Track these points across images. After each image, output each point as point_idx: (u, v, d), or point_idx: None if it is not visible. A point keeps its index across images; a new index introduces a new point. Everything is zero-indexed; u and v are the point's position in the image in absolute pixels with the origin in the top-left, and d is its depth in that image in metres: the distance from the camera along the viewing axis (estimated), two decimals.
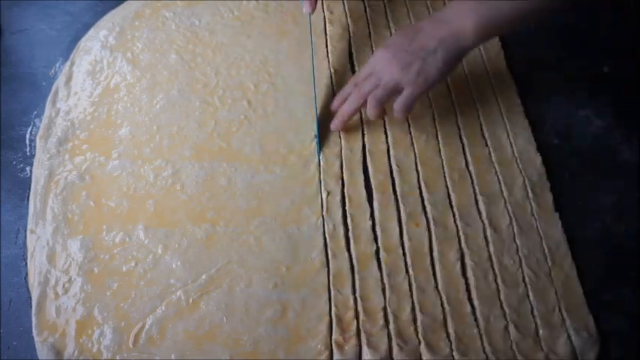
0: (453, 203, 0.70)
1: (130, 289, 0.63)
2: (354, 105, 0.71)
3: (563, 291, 0.64)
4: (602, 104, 0.79)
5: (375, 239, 0.67)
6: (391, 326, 0.61)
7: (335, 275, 0.64)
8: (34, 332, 0.60)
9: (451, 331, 0.61)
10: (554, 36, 0.87)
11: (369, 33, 0.86)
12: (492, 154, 0.74)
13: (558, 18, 0.89)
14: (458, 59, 0.68)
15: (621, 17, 0.89)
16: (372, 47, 0.84)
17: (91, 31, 0.87)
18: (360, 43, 0.85)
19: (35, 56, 0.86)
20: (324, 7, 0.89)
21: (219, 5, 0.89)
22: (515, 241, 0.67)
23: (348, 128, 0.75)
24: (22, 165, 0.74)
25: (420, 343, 0.60)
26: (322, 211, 0.69)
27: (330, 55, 0.83)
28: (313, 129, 0.75)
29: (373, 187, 0.71)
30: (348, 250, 0.66)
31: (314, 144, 0.74)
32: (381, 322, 0.61)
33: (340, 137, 0.75)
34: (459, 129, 0.76)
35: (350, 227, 0.67)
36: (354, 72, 0.82)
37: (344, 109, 0.73)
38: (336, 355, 0.59)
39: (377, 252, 0.66)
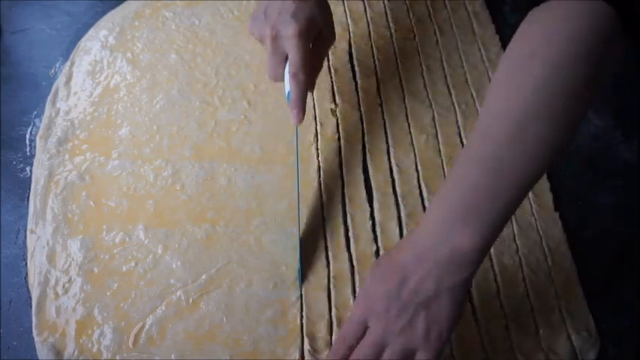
0: None
1: (130, 289, 0.63)
2: None
3: (563, 291, 0.64)
4: (602, 104, 0.79)
5: (375, 239, 0.67)
6: None
7: (335, 275, 0.64)
8: (34, 332, 0.60)
9: None
10: None
11: (369, 33, 0.86)
12: None
13: None
14: (466, 291, 0.51)
15: (621, 17, 0.89)
16: (372, 47, 0.84)
17: (91, 31, 0.87)
18: (360, 43, 0.85)
19: (35, 56, 0.86)
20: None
21: (219, 5, 0.89)
22: (515, 241, 0.67)
23: (347, 129, 0.75)
24: (22, 165, 0.74)
25: None
26: (323, 211, 0.69)
27: (330, 54, 0.83)
28: (296, 262, 0.65)
29: (373, 187, 0.71)
30: (348, 250, 0.66)
31: (312, 146, 0.74)
32: None
33: (340, 137, 0.75)
34: (459, 129, 0.76)
35: (350, 227, 0.67)
36: (354, 72, 0.82)
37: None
38: None
39: (377, 252, 0.66)
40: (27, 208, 0.69)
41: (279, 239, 0.67)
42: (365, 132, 0.76)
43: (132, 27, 0.87)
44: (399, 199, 0.70)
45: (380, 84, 0.80)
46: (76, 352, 0.59)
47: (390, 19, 0.88)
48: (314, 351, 0.59)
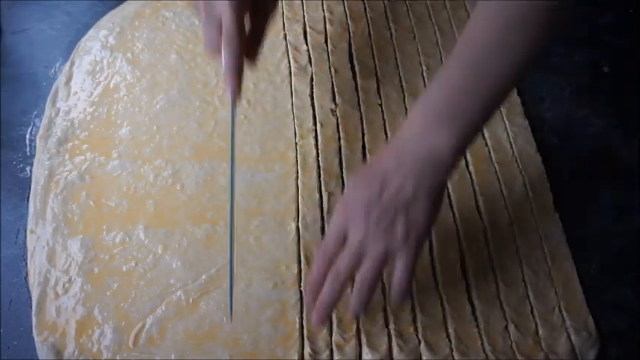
0: (453, 203, 0.70)
1: (130, 289, 0.63)
2: (335, 295, 0.54)
3: (563, 291, 0.64)
4: (602, 104, 0.79)
5: None
6: (391, 326, 0.61)
7: None
8: (34, 332, 0.60)
9: (451, 331, 0.61)
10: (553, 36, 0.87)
11: (369, 33, 0.86)
12: (492, 154, 0.74)
13: None
14: (442, 193, 0.54)
15: (621, 17, 0.89)
16: (372, 47, 0.84)
17: (91, 31, 0.87)
18: (360, 43, 0.85)
19: (35, 56, 0.86)
20: (324, 7, 0.89)
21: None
22: (515, 241, 0.67)
23: (347, 129, 0.75)
24: (22, 165, 0.74)
25: (420, 343, 0.60)
26: (323, 211, 0.69)
27: (330, 54, 0.83)
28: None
29: None
30: None
31: (311, 138, 0.74)
32: (381, 322, 0.61)
33: (340, 137, 0.75)
34: None
35: None
36: (354, 72, 0.82)
37: (324, 300, 0.55)
38: (336, 355, 0.59)
39: None
40: (27, 208, 0.69)
41: (279, 239, 0.66)
42: (365, 132, 0.76)
43: (132, 27, 0.87)
44: None
45: (380, 84, 0.80)
46: (76, 352, 0.59)
47: (390, 19, 0.88)
48: (314, 352, 0.59)
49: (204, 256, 0.65)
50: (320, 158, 0.73)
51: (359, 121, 0.77)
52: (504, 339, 0.61)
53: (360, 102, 0.78)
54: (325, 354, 0.59)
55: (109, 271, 0.64)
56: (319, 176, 0.71)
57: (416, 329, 0.61)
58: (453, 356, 0.59)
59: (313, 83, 0.80)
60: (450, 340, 0.60)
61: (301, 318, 0.61)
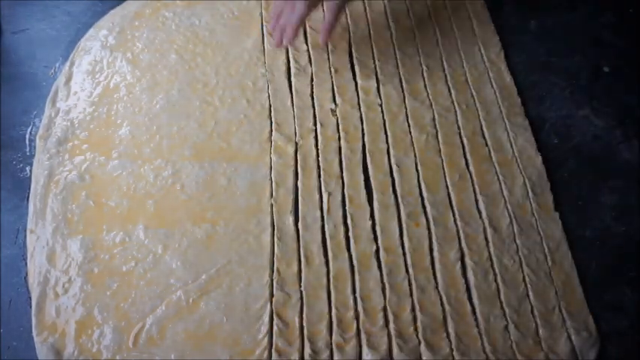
0: (453, 203, 0.70)
1: (130, 289, 0.63)
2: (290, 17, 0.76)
3: (563, 291, 0.64)
4: (602, 104, 0.79)
5: (375, 239, 0.67)
6: (391, 326, 0.61)
7: (335, 275, 0.64)
8: (34, 332, 0.60)
9: (451, 331, 0.61)
10: (554, 36, 0.87)
11: (369, 33, 0.86)
12: (492, 154, 0.74)
13: (558, 18, 0.89)
14: None
15: (621, 17, 0.89)
16: (372, 47, 0.84)
17: (91, 31, 0.87)
18: (360, 43, 0.85)
19: (35, 56, 0.86)
20: (324, 6, 0.88)
21: (219, 5, 0.89)
22: (515, 241, 0.67)
23: (347, 129, 0.75)
24: (22, 165, 0.74)
25: (420, 343, 0.60)
26: (323, 211, 0.69)
27: (330, 54, 0.83)
28: None
29: (373, 187, 0.71)
30: (348, 250, 0.66)
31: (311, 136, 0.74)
32: (381, 322, 0.61)
33: (340, 137, 0.75)
34: (459, 129, 0.76)
35: (350, 227, 0.67)
36: (354, 72, 0.82)
37: (282, 22, 0.77)
38: (336, 356, 0.59)
39: (377, 252, 0.66)
40: (27, 208, 0.69)
41: (278, 236, 0.66)
42: (365, 132, 0.76)
43: (132, 27, 0.87)
44: (399, 199, 0.70)
45: (380, 84, 0.80)
46: (76, 352, 0.59)
47: (390, 19, 0.88)
48: (314, 352, 0.59)
49: (204, 256, 0.65)
50: (320, 158, 0.73)
51: (359, 121, 0.77)
52: (504, 339, 0.61)
53: (360, 102, 0.78)
54: (325, 354, 0.59)
55: (109, 271, 0.64)
56: (319, 176, 0.71)
57: (416, 329, 0.61)
58: (453, 356, 0.59)
59: (313, 83, 0.80)
60: (450, 340, 0.60)
61: (301, 318, 0.61)
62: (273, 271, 0.64)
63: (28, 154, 0.75)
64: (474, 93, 0.80)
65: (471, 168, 0.73)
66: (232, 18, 0.88)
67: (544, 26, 0.88)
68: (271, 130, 0.76)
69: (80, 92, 0.79)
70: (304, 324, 0.61)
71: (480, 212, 0.69)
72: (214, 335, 0.60)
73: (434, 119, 0.77)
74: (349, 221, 0.68)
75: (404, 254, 0.66)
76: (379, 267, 0.65)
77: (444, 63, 0.83)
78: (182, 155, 0.73)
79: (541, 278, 0.64)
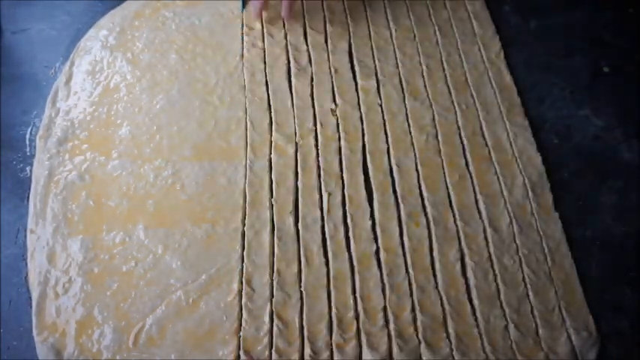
0: (453, 203, 0.70)
1: (130, 289, 0.63)
2: None
3: (563, 291, 0.64)
4: (602, 104, 0.79)
5: (375, 239, 0.67)
6: (391, 326, 0.61)
7: (335, 275, 0.64)
8: (34, 332, 0.60)
9: (451, 331, 0.61)
10: (554, 36, 0.87)
11: (369, 33, 0.86)
12: (492, 154, 0.74)
13: (558, 18, 0.89)
14: None
15: (621, 17, 0.89)
16: (372, 47, 0.84)
17: (91, 31, 0.87)
18: (360, 43, 0.85)
19: (35, 56, 0.86)
20: (324, 7, 0.89)
21: (219, 5, 0.89)
22: (515, 241, 0.67)
23: (347, 129, 0.75)
24: (22, 165, 0.74)
25: (420, 343, 0.60)
26: (323, 211, 0.69)
27: (330, 54, 0.83)
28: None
29: (373, 187, 0.71)
30: (348, 250, 0.66)
31: (312, 147, 0.74)
32: (381, 322, 0.61)
33: (340, 137, 0.75)
34: (459, 129, 0.76)
35: (350, 227, 0.67)
36: (354, 72, 0.82)
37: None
38: (336, 356, 0.59)
39: (377, 252, 0.66)
40: (27, 208, 0.69)
41: (278, 236, 0.67)
42: (365, 132, 0.76)
43: (132, 27, 0.87)
44: (399, 199, 0.70)
45: (380, 84, 0.80)
46: (76, 352, 0.59)
47: (390, 19, 0.88)
48: (314, 353, 0.59)
49: (204, 256, 0.65)
50: (320, 158, 0.73)
51: (359, 121, 0.77)
52: (504, 339, 0.61)
53: (360, 102, 0.78)
54: (325, 354, 0.59)
55: (109, 271, 0.64)
56: (319, 176, 0.71)
57: (416, 329, 0.61)
58: (453, 356, 0.59)
59: (313, 83, 0.80)
60: (450, 340, 0.60)
61: (301, 318, 0.61)
62: (273, 271, 0.64)
63: (28, 154, 0.75)
64: (474, 93, 0.80)
65: (471, 168, 0.73)
66: (232, 18, 0.88)
67: (544, 26, 0.88)
68: (271, 130, 0.76)
69: (80, 92, 0.79)
70: (304, 324, 0.61)
71: (479, 212, 0.69)
72: (214, 335, 0.60)
73: (434, 119, 0.77)
74: (349, 221, 0.68)
75: (404, 254, 0.66)
76: (379, 267, 0.65)
77: (444, 63, 0.83)
78: (182, 155, 0.73)
79: (541, 278, 0.64)
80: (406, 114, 0.77)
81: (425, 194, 0.70)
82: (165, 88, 0.80)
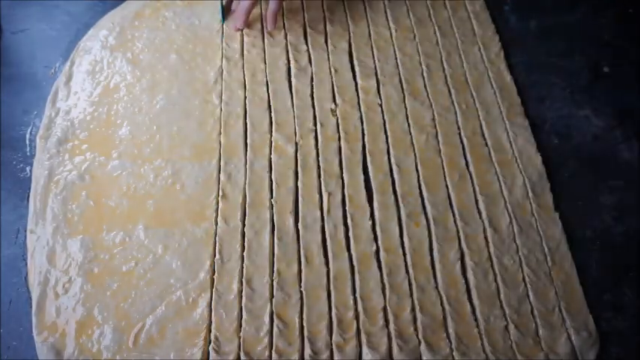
0: (453, 203, 0.70)
1: (130, 289, 0.63)
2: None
3: (563, 291, 0.64)
4: (602, 104, 0.79)
5: (375, 239, 0.67)
6: (391, 326, 0.61)
7: (335, 275, 0.64)
8: (34, 332, 0.60)
9: (451, 331, 0.61)
10: (554, 36, 0.87)
11: (369, 33, 0.86)
12: (492, 154, 0.74)
13: (558, 18, 0.89)
14: None
15: (621, 17, 0.89)
16: (372, 47, 0.84)
17: (91, 31, 0.87)
18: (360, 43, 0.85)
19: (35, 56, 0.86)
20: (325, 7, 0.89)
21: (219, 5, 0.89)
22: (515, 241, 0.67)
23: (347, 129, 0.75)
24: (22, 165, 0.74)
25: (420, 343, 0.60)
26: (323, 211, 0.69)
27: (330, 54, 0.83)
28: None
29: (373, 187, 0.71)
30: (348, 250, 0.66)
31: (312, 147, 0.74)
32: (381, 322, 0.61)
33: (340, 137, 0.75)
34: (459, 129, 0.76)
35: (350, 227, 0.67)
36: (354, 72, 0.82)
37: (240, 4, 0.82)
38: (336, 356, 0.59)
39: (377, 252, 0.66)
40: (27, 208, 0.69)
41: (278, 236, 0.67)
42: (365, 132, 0.76)
43: (132, 27, 0.87)
44: (399, 199, 0.70)
45: (380, 84, 0.80)
46: (76, 352, 0.59)
47: (390, 19, 0.88)
48: (314, 353, 0.59)
49: (204, 256, 0.65)
50: (320, 158, 0.73)
51: (359, 121, 0.77)
52: (504, 339, 0.61)
53: (360, 102, 0.78)
54: (325, 354, 0.59)
55: (109, 271, 0.64)
56: (319, 176, 0.71)
57: (416, 329, 0.61)
58: (453, 356, 0.59)
59: (313, 83, 0.80)
60: (450, 340, 0.60)
61: (301, 318, 0.61)
62: (273, 271, 0.64)
63: (28, 154, 0.75)
64: (474, 93, 0.80)
65: (471, 168, 0.73)
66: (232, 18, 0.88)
67: (544, 26, 0.88)
68: (271, 131, 0.75)
69: (80, 92, 0.79)
70: (304, 324, 0.61)
71: (480, 212, 0.69)
72: None
73: (434, 119, 0.77)
74: (349, 221, 0.68)
75: (404, 254, 0.66)
76: (379, 267, 0.65)
77: (444, 63, 0.83)
78: (182, 155, 0.73)
79: (541, 278, 0.64)
80: (406, 114, 0.77)
81: (425, 194, 0.70)
82: (165, 88, 0.80)
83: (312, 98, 0.79)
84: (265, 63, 0.83)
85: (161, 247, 0.66)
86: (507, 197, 0.70)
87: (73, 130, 0.75)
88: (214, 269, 0.64)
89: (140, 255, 0.65)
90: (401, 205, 0.69)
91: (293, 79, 0.81)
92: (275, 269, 0.64)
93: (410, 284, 0.64)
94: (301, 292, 0.63)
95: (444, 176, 0.72)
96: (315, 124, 0.76)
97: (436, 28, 0.87)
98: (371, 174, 0.72)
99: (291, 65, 0.82)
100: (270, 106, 0.78)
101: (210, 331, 0.60)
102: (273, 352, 0.59)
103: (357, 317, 0.61)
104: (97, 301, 0.62)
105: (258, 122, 0.76)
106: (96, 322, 0.61)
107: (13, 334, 0.61)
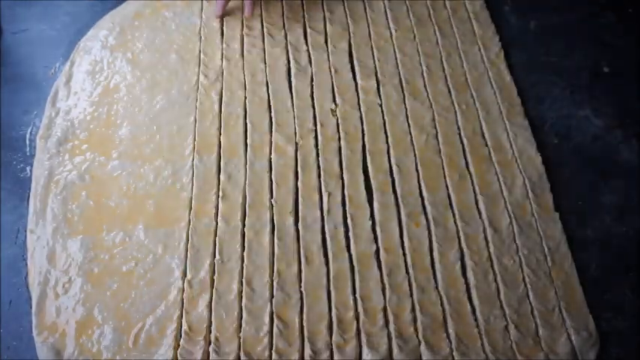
0: (453, 203, 0.70)
1: (130, 289, 0.63)
2: None
3: (563, 291, 0.64)
4: (602, 104, 0.79)
5: (375, 239, 0.67)
6: (391, 326, 0.61)
7: (335, 275, 0.64)
8: (34, 332, 0.60)
9: (451, 331, 0.61)
10: (554, 36, 0.87)
11: (369, 33, 0.86)
12: (492, 154, 0.74)
13: (558, 18, 0.89)
14: None
15: (621, 17, 0.89)
16: (372, 47, 0.84)
17: (91, 31, 0.87)
18: (360, 43, 0.85)
19: (35, 56, 0.86)
20: (324, 7, 0.89)
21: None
22: (515, 241, 0.67)
23: (347, 129, 0.75)
24: (22, 165, 0.74)
25: (420, 343, 0.60)
26: (323, 211, 0.69)
27: (330, 54, 0.83)
28: None
29: (373, 187, 0.71)
30: (348, 250, 0.66)
31: (312, 148, 0.74)
32: (381, 322, 0.61)
33: (340, 137, 0.75)
34: (459, 129, 0.76)
35: (350, 227, 0.67)
36: (354, 72, 0.82)
37: None
38: (336, 356, 0.59)
39: (377, 252, 0.66)
40: (27, 208, 0.69)
41: (278, 236, 0.67)
42: (365, 132, 0.76)
43: (132, 27, 0.87)
44: (399, 199, 0.70)
45: (380, 84, 0.80)
46: (76, 352, 0.59)
47: (390, 19, 0.88)
48: (314, 353, 0.59)
49: (204, 256, 0.65)
50: (320, 158, 0.73)
51: (359, 121, 0.77)
52: (504, 339, 0.61)
53: (360, 102, 0.78)
54: (325, 354, 0.59)
55: (109, 271, 0.64)
56: (319, 176, 0.71)
57: (416, 329, 0.61)
58: (453, 356, 0.59)
59: (313, 83, 0.80)
60: (450, 340, 0.60)
61: (301, 318, 0.61)
62: (273, 272, 0.64)
63: (28, 154, 0.75)
64: (474, 93, 0.80)
65: (471, 168, 0.73)
66: (232, 19, 0.88)
67: (544, 26, 0.88)
68: (271, 131, 0.75)
69: (80, 92, 0.79)
70: (304, 324, 0.61)
71: (480, 212, 0.69)
72: None
73: (434, 119, 0.77)
74: (349, 221, 0.68)
75: (404, 254, 0.66)
76: (379, 267, 0.65)
77: (444, 63, 0.83)
78: (182, 155, 0.73)
79: (541, 278, 0.64)
80: (406, 114, 0.78)
81: (425, 194, 0.70)
82: (165, 88, 0.80)
83: (312, 98, 0.79)
84: (265, 63, 0.83)
85: (161, 247, 0.66)
86: (507, 197, 0.70)
87: (73, 130, 0.75)
88: (214, 269, 0.64)
89: (140, 255, 0.65)
90: (401, 205, 0.69)
91: (293, 80, 0.81)
92: (275, 269, 0.64)
93: (410, 284, 0.64)
94: (301, 292, 0.63)
95: (444, 176, 0.72)
96: (315, 124, 0.76)
97: (436, 28, 0.87)
98: (371, 174, 0.72)
99: (291, 65, 0.82)
100: (270, 107, 0.78)
101: (210, 331, 0.60)
102: (273, 352, 0.59)
103: (357, 317, 0.61)
104: (97, 301, 0.62)
105: (258, 122, 0.76)
106: (96, 322, 0.61)
107: (13, 334, 0.61)
